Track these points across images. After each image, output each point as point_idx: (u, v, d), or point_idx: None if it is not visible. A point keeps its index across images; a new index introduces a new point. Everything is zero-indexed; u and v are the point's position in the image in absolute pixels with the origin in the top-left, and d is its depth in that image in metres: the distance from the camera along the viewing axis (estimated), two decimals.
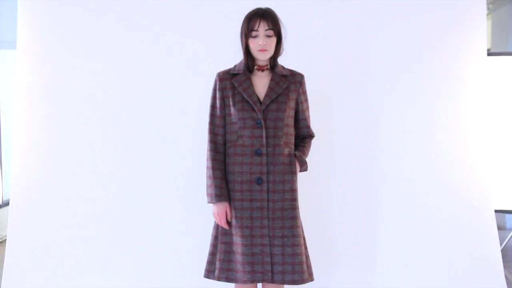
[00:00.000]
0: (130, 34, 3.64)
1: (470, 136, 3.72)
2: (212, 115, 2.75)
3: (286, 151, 2.70)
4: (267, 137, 2.66)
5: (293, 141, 2.79)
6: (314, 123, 2.99)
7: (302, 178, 2.91)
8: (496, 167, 4.09)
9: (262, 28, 2.60)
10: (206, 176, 2.71)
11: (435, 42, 3.68)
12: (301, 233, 2.72)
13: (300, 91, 2.79)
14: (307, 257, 2.74)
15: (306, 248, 2.74)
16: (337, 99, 3.67)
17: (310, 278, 2.70)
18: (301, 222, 2.74)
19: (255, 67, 2.73)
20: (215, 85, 2.76)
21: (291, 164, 2.71)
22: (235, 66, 2.77)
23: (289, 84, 2.73)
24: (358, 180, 3.69)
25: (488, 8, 6.73)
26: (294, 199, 2.70)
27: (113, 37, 3.63)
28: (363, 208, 3.68)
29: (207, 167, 2.71)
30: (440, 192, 3.68)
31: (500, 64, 4.27)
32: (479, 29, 3.72)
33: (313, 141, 2.95)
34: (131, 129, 3.62)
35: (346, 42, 3.68)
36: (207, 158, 2.71)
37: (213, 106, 2.76)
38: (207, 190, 2.71)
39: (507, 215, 5.59)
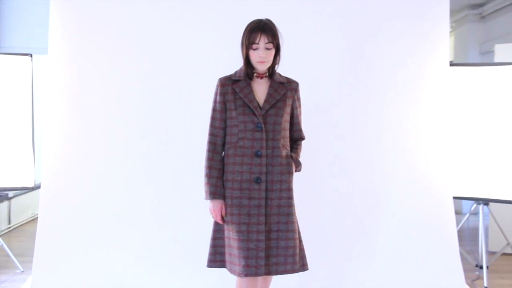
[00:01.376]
0: (152, 40, 3.49)
1: (434, 134, 3.68)
2: (213, 118, 2.54)
3: (284, 152, 2.52)
4: (266, 140, 2.48)
5: (289, 143, 2.61)
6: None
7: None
8: (456, 161, 4.04)
9: (262, 41, 2.41)
10: (204, 174, 2.51)
11: (407, 55, 3.64)
12: (296, 228, 2.53)
13: (295, 97, 2.62)
14: (301, 249, 2.55)
15: (300, 241, 2.56)
16: (319, 107, 3.54)
17: (303, 268, 2.53)
18: (296, 219, 2.55)
19: (255, 75, 2.53)
20: (217, 89, 2.56)
21: (288, 165, 2.54)
22: (235, 72, 2.57)
23: (286, 91, 2.55)
24: (339, 172, 3.59)
25: (451, 26, 6.95)
26: (290, 197, 2.52)
27: (136, 44, 3.51)
28: (341, 195, 3.57)
29: (205, 167, 2.51)
30: (408, 182, 3.62)
31: (461, 74, 4.26)
32: (443, 43, 3.70)
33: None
34: (150, 122, 3.52)
35: (326, 54, 3.59)
36: (206, 158, 2.51)
37: (214, 110, 2.55)
38: (204, 188, 2.52)
39: (463, 201, 5.59)
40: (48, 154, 3.47)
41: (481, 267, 4.02)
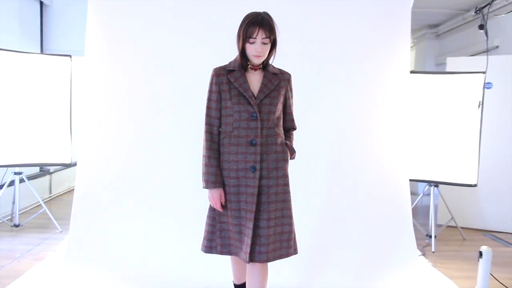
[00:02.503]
0: (180, 43, 3.31)
1: (396, 129, 3.62)
2: (209, 108, 2.18)
3: (279, 140, 2.18)
4: (261, 129, 2.12)
5: (282, 132, 2.26)
6: None
7: None
8: (412, 151, 4.03)
9: (259, 36, 2.06)
10: (202, 163, 2.17)
11: (376, 63, 3.55)
12: (291, 214, 2.20)
13: (288, 87, 2.26)
14: (294, 234, 2.22)
15: (293, 225, 2.21)
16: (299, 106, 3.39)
17: (295, 252, 2.22)
18: (291, 205, 2.22)
19: (249, 66, 2.17)
20: (212, 79, 2.18)
21: (284, 152, 2.19)
22: (230, 63, 2.21)
23: (279, 81, 2.19)
24: (315, 161, 3.43)
25: (413, 42, 7.04)
26: (286, 184, 2.19)
27: (166, 48, 3.38)
28: (317, 179, 3.43)
29: (204, 156, 2.16)
30: (375, 168, 3.53)
31: (419, 80, 4.29)
32: (404, 55, 3.63)
33: None
34: (172, 110, 3.37)
35: (303, 60, 3.43)
36: (204, 147, 2.17)
37: (209, 99, 2.18)
38: (203, 177, 2.17)
39: (419, 184, 5.55)
40: (83, 137, 3.42)
41: (431, 237, 4.06)
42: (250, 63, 2.16)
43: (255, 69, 2.18)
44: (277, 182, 2.14)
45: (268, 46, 2.11)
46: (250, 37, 2.06)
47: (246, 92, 2.11)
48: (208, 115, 2.18)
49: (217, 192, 2.14)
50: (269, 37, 2.08)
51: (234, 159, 2.12)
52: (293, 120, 2.33)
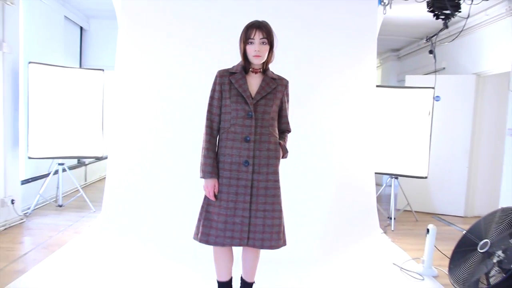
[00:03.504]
0: (203, 59, 3.15)
1: (364, 132, 3.63)
2: (211, 105, 2.00)
3: (272, 139, 1.99)
4: (255, 127, 1.95)
5: (277, 132, 2.05)
6: None
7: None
8: (378, 149, 4.02)
9: (257, 37, 1.91)
10: (201, 155, 1.98)
11: (349, 78, 3.55)
12: (281, 208, 2.00)
13: (285, 92, 2.07)
14: (284, 227, 2.04)
15: (282, 219, 2.02)
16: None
17: (284, 243, 2.02)
18: (281, 200, 2.01)
19: (250, 69, 1.99)
20: (215, 80, 2.00)
21: (276, 151, 2.00)
22: (233, 66, 2.03)
23: (276, 86, 2.01)
24: (298, 158, 3.28)
25: (379, 62, 6.98)
26: (276, 180, 1.99)
27: (183, 59, 3.33)
28: (300, 172, 3.33)
29: (203, 148, 1.98)
30: (346, 163, 3.53)
31: (384, 93, 4.28)
32: (372, 72, 3.66)
33: None
34: (191, 111, 3.28)
35: (287, 67, 3.31)
36: (203, 140, 1.98)
37: (212, 98, 2.00)
38: (200, 167, 1.97)
39: (383, 176, 5.48)
40: (112, 135, 3.43)
41: (391, 218, 4.08)
42: (251, 66, 1.99)
43: (256, 72, 2.00)
44: (267, 177, 1.96)
45: (267, 47, 1.94)
46: (249, 38, 1.92)
47: (244, 92, 1.95)
48: (209, 112, 2.01)
49: (212, 182, 1.95)
50: (266, 38, 1.93)
51: (229, 153, 1.95)
52: (288, 123, 2.13)
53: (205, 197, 2.00)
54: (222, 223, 1.93)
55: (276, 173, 1.99)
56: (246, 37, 1.93)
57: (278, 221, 1.97)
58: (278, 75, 2.07)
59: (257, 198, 1.94)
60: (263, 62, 1.98)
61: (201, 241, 1.96)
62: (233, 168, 1.94)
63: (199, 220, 2.00)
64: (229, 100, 1.97)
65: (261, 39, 1.92)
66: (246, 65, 1.98)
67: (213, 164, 1.95)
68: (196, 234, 2.00)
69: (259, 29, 1.92)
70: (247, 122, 1.94)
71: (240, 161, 1.93)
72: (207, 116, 2.00)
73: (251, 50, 1.93)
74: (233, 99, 1.96)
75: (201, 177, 1.97)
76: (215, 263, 2.07)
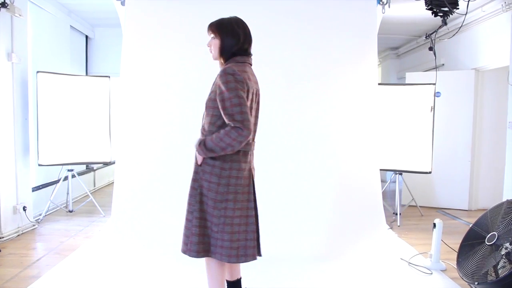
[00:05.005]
0: (208, 64, 3.09)
1: (369, 129, 3.59)
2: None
3: None
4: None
5: None
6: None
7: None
8: (382, 146, 3.94)
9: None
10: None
11: (353, 76, 3.52)
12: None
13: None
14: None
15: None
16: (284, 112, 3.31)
17: None
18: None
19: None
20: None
21: None
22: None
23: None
24: (304, 158, 3.33)
25: (379, 61, 6.96)
26: None
27: (192, 68, 3.31)
28: (308, 169, 3.32)
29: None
30: (352, 160, 3.49)
31: (385, 90, 4.24)
32: (373, 70, 3.64)
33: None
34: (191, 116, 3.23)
35: (288, 69, 3.36)
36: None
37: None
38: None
39: (387, 172, 5.51)
40: (119, 141, 3.42)
41: (396, 214, 4.05)
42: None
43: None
44: None
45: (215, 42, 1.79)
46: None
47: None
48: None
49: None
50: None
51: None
52: None
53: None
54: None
55: None
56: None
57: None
58: None
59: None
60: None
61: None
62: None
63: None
64: (249, 102, 1.75)
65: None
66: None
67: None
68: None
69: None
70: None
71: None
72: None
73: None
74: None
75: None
76: (221, 281, 1.86)
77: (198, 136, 1.86)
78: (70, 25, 5.02)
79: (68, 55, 4.95)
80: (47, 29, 4.46)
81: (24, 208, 3.55)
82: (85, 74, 5.57)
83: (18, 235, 3.45)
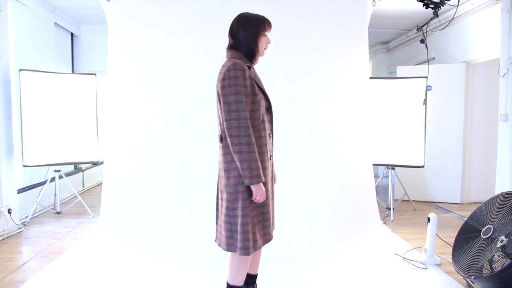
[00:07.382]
0: (195, 61, 3.13)
1: (361, 124, 3.57)
2: (241, 102, 1.68)
3: None
4: (272, 121, 1.88)
5: None
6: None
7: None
8: (375, 141, 3.99)
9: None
10: (241, 159, 1.67)
11: (345, 71, 3.50)
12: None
13: None
14: None
15: None
16: (286, 108, 3.27)
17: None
18: None
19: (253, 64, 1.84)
20: (244, 74, 1.69)
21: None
22: (239, 61, 1.74)
23: None
24: (299, 154, 3.32)
25: (370, 55, 6.93)
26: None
27: (179, 66, 3.26)
28: (304, 165, 3.30)
29: (244, 152, 1.66)
30: (346, 155, 3.47)
31: (376, 84, 4.22)
32: (364, 64, 3.62)
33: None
34: (182, 111, 3.25)
35: (283, 68, 3.34)
36: (243, 143, 1.66)
37: (242, 94, 1.68)
38: (248, 173, 1.67)
39: (379, 167, 5.52)
40: (107, 140, 3.36)
41: (390, 209, 4.05)
42: (256, 59, 1.84)
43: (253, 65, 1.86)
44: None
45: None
46: (266, 30, 1.82)
47: (263, 85, 1.82)
48: (242, 110, 1.67)
49: (262, 185, 1.72)
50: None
51: (264, 150, 1.78)
52: None
53: (243, 207, 1.73)
54: (268, 220, 1.83)
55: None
56: (265, 28, 1.79)
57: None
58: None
59: (272, 188, 1.91)
60: None
61: (265, 242, 1.83)
62: (266, 166, 1.79)
63: (246, 232, 1.72)
64: (257, 96, 1.75)
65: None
66: (254, 57, 1.81)
67: (259, 166, 1.69)
68: (249, 247, 1.73)
69: (270, 26, 1.83)
70: (268, 117, 1.85)
71: (268, 157, 1.83)
72: (242, 115, 1.66)
73: (263, 42, 1.80)
74: (260, 94, 1.77)
75: (252, 183, 1.68)
76: (244, 268, 1.86)
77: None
78: (55, 22, 4.89)
79: (52, 53, 4.83)
80: (30, 26, 4.33)
81: (9, 211, 3.45)
82: (71, 72, 5.44)
83: (3, 238, 3.34)
